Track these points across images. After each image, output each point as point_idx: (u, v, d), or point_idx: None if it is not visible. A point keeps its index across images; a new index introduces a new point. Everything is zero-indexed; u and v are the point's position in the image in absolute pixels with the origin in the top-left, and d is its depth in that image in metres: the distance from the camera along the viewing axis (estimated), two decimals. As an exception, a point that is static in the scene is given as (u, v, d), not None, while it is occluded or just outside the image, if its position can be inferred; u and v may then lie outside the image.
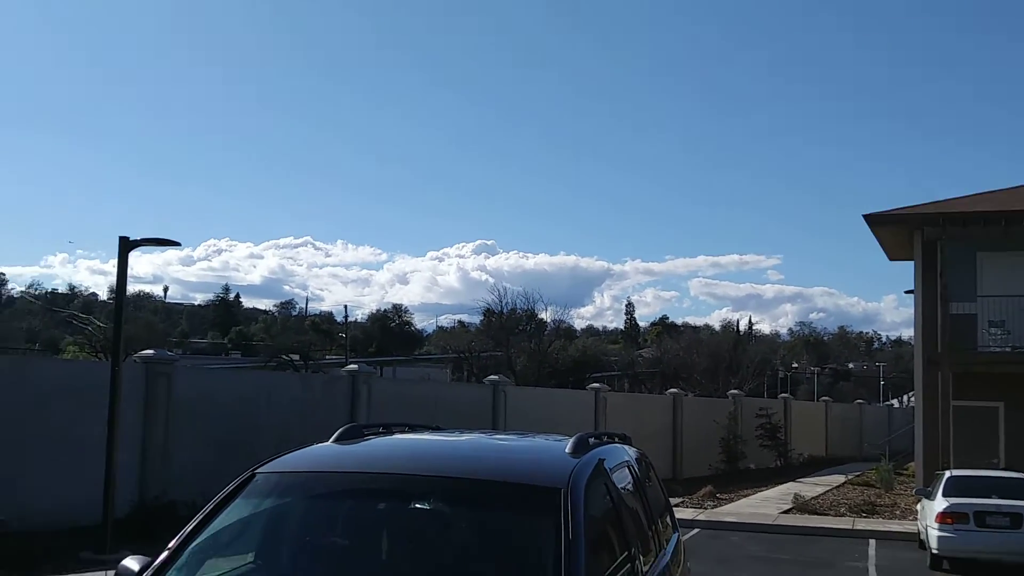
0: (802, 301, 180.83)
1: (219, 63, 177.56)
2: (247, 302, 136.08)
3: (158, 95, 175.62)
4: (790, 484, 30.01)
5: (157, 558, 4.53)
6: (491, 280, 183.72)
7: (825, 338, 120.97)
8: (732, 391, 41.06)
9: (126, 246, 14.80)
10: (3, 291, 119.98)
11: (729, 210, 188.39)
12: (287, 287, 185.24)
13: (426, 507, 4.89)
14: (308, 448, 5.38)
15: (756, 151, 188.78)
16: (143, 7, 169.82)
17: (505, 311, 66.80)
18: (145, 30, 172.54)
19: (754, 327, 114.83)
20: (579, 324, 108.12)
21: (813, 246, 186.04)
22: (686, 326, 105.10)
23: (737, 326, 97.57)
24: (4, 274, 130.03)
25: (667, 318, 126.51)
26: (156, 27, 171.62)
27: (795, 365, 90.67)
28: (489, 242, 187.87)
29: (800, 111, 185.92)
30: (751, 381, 59.48)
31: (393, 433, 6.04)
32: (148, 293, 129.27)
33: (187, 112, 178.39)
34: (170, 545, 4.59)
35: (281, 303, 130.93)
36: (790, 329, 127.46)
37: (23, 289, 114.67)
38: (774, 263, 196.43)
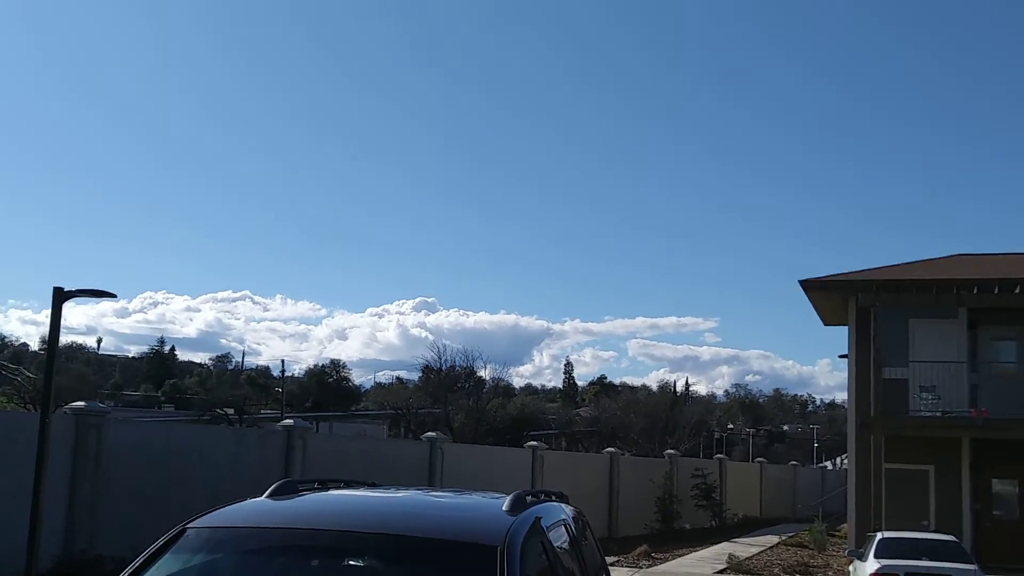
0: (738, 363, 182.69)
1: (159, 130, 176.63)
2: (183, 355, 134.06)
3: (92, 157, 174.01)
4: (725, 544, 30.10)
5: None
6: (431, 337, 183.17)
7: (760, 400, 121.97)
8: (668, 451, 41.16)
9: (60, 296, 14.54)
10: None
11: (667, 273, 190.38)
12: (224, 340, 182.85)
13: (361, 564, 4.83)
14: (241, 503, 5.31)
15: (694, 218, 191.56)
16: (75, 71, 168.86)
17: (444, 368, 66.56)
18: (80, 93, 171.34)
19: (691, 388, 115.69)
20: (518, 382, 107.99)
21: (749, 310, 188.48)
22: (624, 386, 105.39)
23: (674, 387, 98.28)
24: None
25: (605, 378, 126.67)
26: (91, 91, 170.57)
27: (731, 426, 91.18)
28: (429, 299, 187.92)
29: (735, 182, 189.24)
30: (687, 441, 59.77)
31: (328, 489, 5.98)
32: (81, 344, 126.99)
33: (122, 173, 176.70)
34: (97, 601, 4.51)
35: (217, 356, 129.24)
36: (726, 391, 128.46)
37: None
38: (711, 326, 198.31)
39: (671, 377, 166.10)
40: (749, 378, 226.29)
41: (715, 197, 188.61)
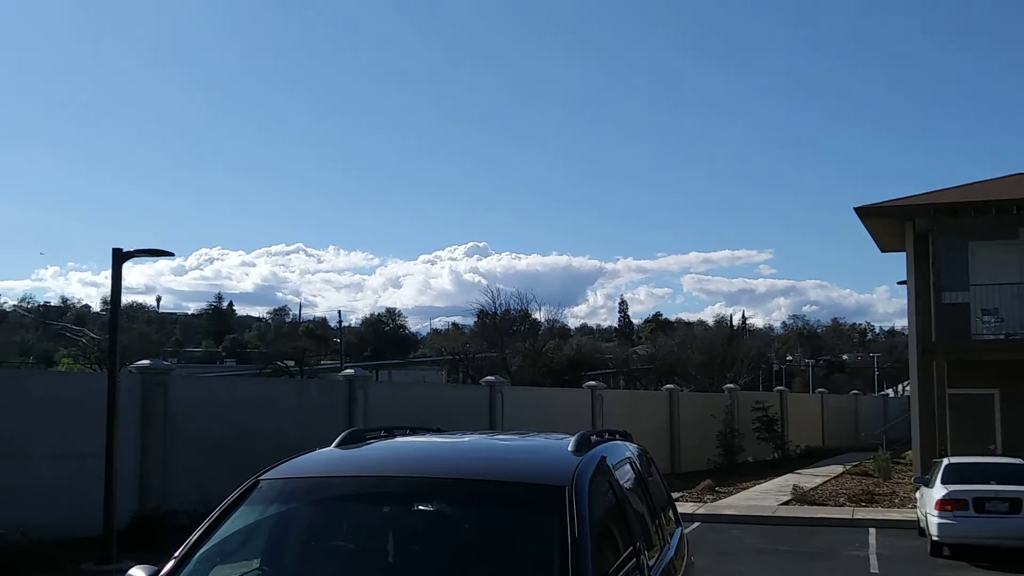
0: (795, 294, 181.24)
1: (208, 80, 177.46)
2: (240, 310, 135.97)
3: (145, 109, 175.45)
4: (788, 476, 30.07)
5: (164, 567, 4.54)
6: (484, 282, 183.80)
7: (819, 330, 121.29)
8: (728, 385, 41.09)
9: (119, 257, 14.78)
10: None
11: (720, 206, 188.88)
12: (280, 294, 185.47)
13: (432, 509, 4.90)
14: (311, 453, 5.39)
15: (744, 148, 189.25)
16: (132, 23, 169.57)
17: (499, 312, 66.70)
18: (134, 45, 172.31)
19: (747, 321, 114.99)
20: (573, 323, 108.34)
21: (805, 240, 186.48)
22: (680, 322, 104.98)
23: (731, 321, 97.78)
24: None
25: (661, 315, 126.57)
26: (145, 42, 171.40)
27: (789, 358, 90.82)
28: (481, 244, 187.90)
29: (786, 109, 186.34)
30: (746, 375, 59.55)
31: (395, 436, 6.04)
32: (141, 303, 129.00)
33: (174, 125, 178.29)
34: (176, 554, 4.60)
35: (274, 310, 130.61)
36: (783, 322, 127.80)
37: (15, 303, 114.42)
38: (766, 258, 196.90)
39: (727, 311, 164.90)
40: (806, 309, 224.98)
41: (765, 125, 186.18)
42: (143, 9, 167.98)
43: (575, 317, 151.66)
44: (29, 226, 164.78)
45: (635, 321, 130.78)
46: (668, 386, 38.23)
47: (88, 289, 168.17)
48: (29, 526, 14.46)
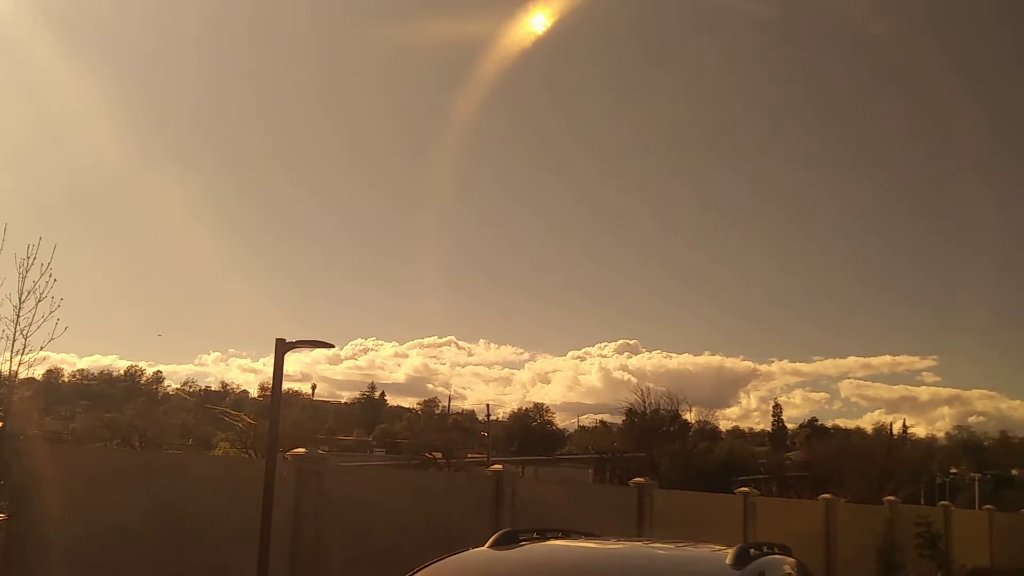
0: (960, 404, 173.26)
1: (375, 177, 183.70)
2: (392, 400, 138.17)
3: (317, 202, 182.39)
4: (953, 598, 28.47)
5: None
6: (634, 380, 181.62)
7: (985, 443, 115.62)
8: (887, 498, 39.38)
9: (282, 348, 15.18)
10: (160, 388, 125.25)
11: (880, 310, 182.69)
12: (431, 385, 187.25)
13: None
14: (466, 553, 5.36)
15: (905, 249, 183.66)
16: (306, 117, 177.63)
17: (648, 412, 66.03)
18: (288, 126, 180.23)
19: (908, 431, 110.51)
20: (724, 425, 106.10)
21: (971, 347, 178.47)
22: (836, 429, 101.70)
23: (891, 429, 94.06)
24: (161, 372, 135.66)
25: (816, 420, 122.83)
26: (298, 124, 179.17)
27: (954, 471, 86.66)
28: (631, 342, 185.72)
29: (959, 206, 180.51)
30: (907, 487, 57.08)
31: (547, 539, 5.98)
32: (297, 391, 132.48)
33: (331, 216, 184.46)
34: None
35: (424, 401, 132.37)
36: (947, 433, 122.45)
37: (178, 386, 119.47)
38: (929, 364, 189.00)
39: (887, 419, 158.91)
40: (972, 419, 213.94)
41: (929, 222, 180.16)
42: (309, 106, 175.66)
43: (727, 419, 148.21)
44: (193, 313, 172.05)
45: (789, 426, 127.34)
46: (824, 495, 36.87)
47: (247, 375, 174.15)
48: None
